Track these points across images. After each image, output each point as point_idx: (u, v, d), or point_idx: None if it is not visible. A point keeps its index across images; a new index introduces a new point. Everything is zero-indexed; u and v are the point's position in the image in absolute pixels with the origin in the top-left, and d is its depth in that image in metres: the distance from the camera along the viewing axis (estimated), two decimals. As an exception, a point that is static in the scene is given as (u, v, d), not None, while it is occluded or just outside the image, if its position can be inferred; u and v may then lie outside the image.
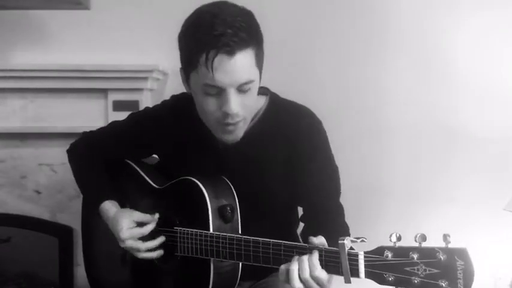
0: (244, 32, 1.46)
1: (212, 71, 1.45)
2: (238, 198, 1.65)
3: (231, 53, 1.44)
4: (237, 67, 1.46)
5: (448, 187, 2.58)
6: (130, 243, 1.70)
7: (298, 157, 1.67)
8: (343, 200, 1.73)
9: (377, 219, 2.55)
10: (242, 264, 1.60)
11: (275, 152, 1.68)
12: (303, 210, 1.73)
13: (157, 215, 1.74)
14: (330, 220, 1.65)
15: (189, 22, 1.54)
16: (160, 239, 1.71)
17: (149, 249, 1.71)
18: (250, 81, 1.51)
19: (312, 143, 1.68)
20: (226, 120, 1.54)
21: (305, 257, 1.35)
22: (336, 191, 1.72)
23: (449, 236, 1.16)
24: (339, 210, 1.70)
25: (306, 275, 1.34)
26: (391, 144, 2.63)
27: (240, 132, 1.60)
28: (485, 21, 2.55)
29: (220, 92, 1.50)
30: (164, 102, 1.86)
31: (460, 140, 2.59)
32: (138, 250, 1.70)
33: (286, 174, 1.69)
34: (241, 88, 1.51)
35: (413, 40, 2.59)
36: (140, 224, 1.72)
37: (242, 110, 1.54)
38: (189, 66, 1.53)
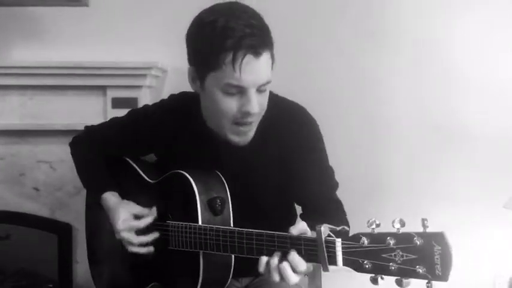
0: (260, 31, 1.49)
1: (240, 71, 1.47)
2: (237, 197, 1.65)
3: (257, 54, 1.48)
4: (261, 68, 1.50)
5: (447, 185, 2.57)
6: (124, 235, 1.72)
7: (294, 152, 1.66)
8: (342, 199, 1.71)
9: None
10: (240, 260, 1.58)
11: (270, 150, 1.68)
12: (303, 206, 1.72)
13: (154, 209, 1.74)
14: (333, 210, 1.65)
15: (203, 22, 1.53)
16: (153, 235, 1.72)
17: (142, 244, 1.72)
18: (268, 82, 1.54)
19: (308, 139, 1.70)
20: (245, 119, 1.55)
21: (288, 258, 1.35)
22: (334, 184, 1.72)
23: (426, 220, 1.13)
24: (339, 203, 1.70)
25: (288, 272, 1.34)
26: (391, 143, 2.62)
27: (251, 133, 1.62)
28: (485, 20, 2.54)
29: (241, 92, 1.52)
30: (163, 102, 1.87)
31: (459, 139, 2.58)
32: (131, 243, 1.72)
33: (281, 171, 1.68)
34: (260, 88, 1.53)
35: (412, 39, 2.58)
36: (138, 217, 1.74)
37: (259, 110, 1.56)
38: (207, 67, 1.53)
